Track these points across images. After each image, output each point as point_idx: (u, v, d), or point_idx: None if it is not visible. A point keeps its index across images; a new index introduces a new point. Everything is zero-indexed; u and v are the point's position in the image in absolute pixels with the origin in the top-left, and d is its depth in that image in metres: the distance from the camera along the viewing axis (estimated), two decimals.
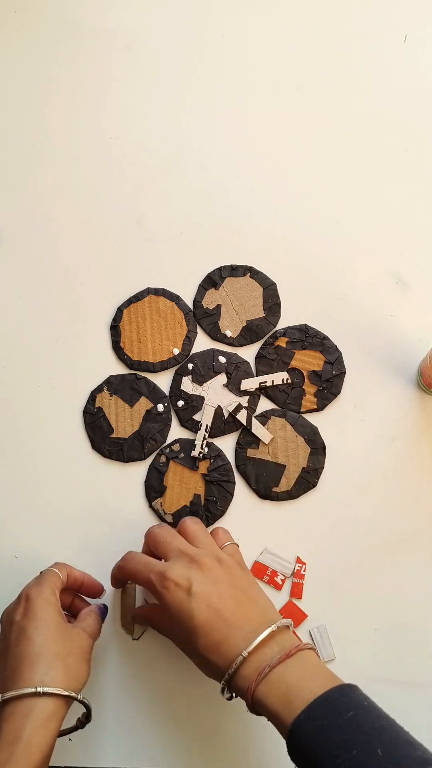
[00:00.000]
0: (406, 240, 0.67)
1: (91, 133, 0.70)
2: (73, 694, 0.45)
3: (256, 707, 0.44)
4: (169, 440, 0.62)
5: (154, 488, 0.60)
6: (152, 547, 0.52)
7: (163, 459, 0.61)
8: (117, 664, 0.57)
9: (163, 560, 0.50)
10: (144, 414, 0.62)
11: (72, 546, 0.59)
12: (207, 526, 0.60)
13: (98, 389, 0.63)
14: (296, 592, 0.58)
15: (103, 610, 0.55)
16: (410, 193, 0.68)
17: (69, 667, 0.46)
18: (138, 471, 0.61)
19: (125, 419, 0.62)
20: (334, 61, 0.72)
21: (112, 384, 0.63)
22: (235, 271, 0.65)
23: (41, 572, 0.53)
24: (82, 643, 0.49)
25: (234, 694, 0.46)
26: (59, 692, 0.44)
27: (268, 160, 0.69)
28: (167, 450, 0.61)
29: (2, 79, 0.71)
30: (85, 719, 0.49)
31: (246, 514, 0.60)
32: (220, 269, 0.65)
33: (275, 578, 0.58)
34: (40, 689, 0.43)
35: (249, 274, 0.65)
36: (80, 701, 0.46)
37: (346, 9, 0.73)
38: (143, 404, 0.62)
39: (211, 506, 0.60)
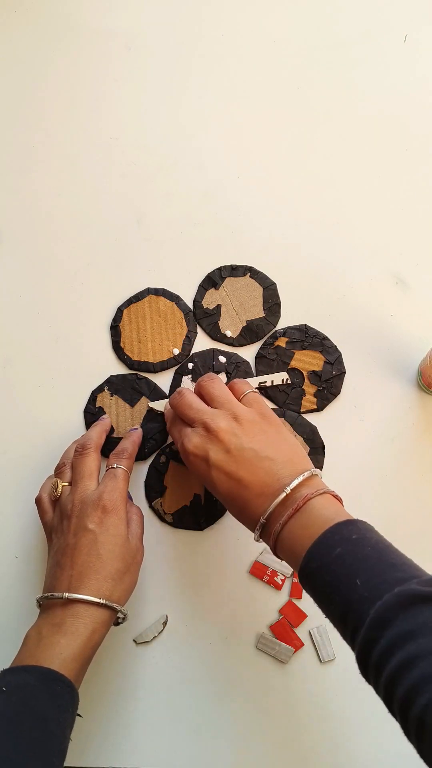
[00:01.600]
0: (406, 240, 0.67)
1: (90, 133, 0.70)
2: (124, 611, 0.51)
3: (281, 543, 0.48)
4: (169, 440, 0.62)
5: (154, 488, 0.60)
6: (178, 415, 0.56)
7: (162, 459, 0.61)
8: (118, 664, 0.57)
9: None
10: (145, 414, 0.62)
11: None
12: (207, 526, 0.60)
13: (99, 389, 0.63)
14: (296, 592, 0.58)
15: (137, 437, 0.59)
16: (410, 193, 0.68)
17: (125, 585, 0.52)
18: (138, 471, 0.61)
19: (126, 419, 0.62)
20: (333, 61, 0.72)
21: (113, 384, 0.63)
22: (235, 271, 0.65)
23: (112, 468, 0.55)
24: (138, 558, 0.53)
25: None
26: (116, 607, 0.50)
27: (268, 160, 0.69)
28: (167, 450, 0.61)
29: (2, 79, 0.71)
30: (122, 621, 0.53)
31: None
32: (220, 269, 0.65)
33: (275, 578, 0.58)
34: (103, 601, 0.49)
35: (249, 274, 0.65)
36: (124, 615, 0.52)
37: (346, 9, 0.73)
38: (144, 404, 0.62)
39: (211, 506, 0.60)
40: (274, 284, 0.65)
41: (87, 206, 0.68)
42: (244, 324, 0.64)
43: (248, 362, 0.63)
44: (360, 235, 0.67)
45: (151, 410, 0.62)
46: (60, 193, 0.68)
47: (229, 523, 0.60)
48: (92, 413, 0.62)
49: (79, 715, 0.48)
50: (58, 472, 0.57)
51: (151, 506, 0.60)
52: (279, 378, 0.62)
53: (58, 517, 0.54)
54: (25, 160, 0.69)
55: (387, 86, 0.71)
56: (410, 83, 0.71)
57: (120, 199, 0.68)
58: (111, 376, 0.63)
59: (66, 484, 0.55)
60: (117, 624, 0.52)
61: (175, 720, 0.56)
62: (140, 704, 0.56)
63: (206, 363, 0.63)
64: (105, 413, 0.62)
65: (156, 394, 0.62)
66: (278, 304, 0.65)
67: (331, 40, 0.72)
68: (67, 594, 0.49)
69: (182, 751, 0.55)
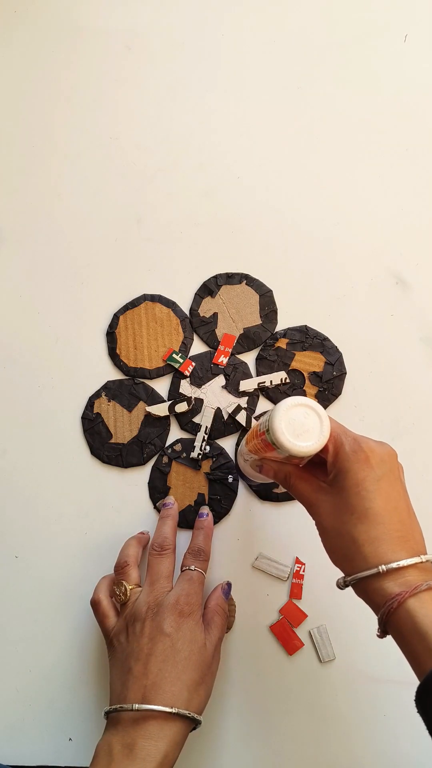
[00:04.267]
0: (406, 240, 0.67)
1: (91, 133, 0.70)
2: (199, 719, 0.47)
3: (396, 622, 0.41)
4: (169, 441, 0.62)
5: (158, 489, 0.60)
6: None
7: (165, 460, 0.61)
8: None
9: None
10: (143, 419, 0.62)
11: (73, 546, 0.59)
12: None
13: (96, 395, 0.63)
14: (296, 592, 0.58)
15: (228, 591, 0.56)
16: (410, 193, 0.68)
17: (201, 696, 0.48)
18: (139, 475, 0.61)
19: (124, 424, 0.62)
20: (334, 61, 0.71)
21: (110, 389, 0.63)
22: (231, 278, 0.65)
23: (189, 570, 0.53)
24: (214, 668, 0.51)
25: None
26: (193, 717, 0.47)
27: (268, 159, 0.69)
28: (169, 450, 0.61)
29: (2, 79, 0.71)
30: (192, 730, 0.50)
31: (246, 515, 0.60)
32: (216, 277, 0.65)
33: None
34: (178, 711, 0.46)
35: (245, 281, 0.65)
36: (198, 722, 0.48)
37: (346, 9, 0.73)
38: (142, 409, 0.62)
39: (215, 505, 0.60)
40: (270, 291, 0.65)
41: (87, 206, 0.68)
42: (241, 332, 0.64)
43: (246, 363, 0.63)
44: (360, 235, 0.67)
45: (149, 415, 0.62)
46: (60, 193, 0.68)
47: (230, 524, 0.60)
48: (90, 419, 0.62)
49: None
50: (121, 572, 0.54)
51: (155, 507, 0.60)
52: (278, 378, 0.62)
53: (127, 620, 0.51)
54: (25, 161, 0.69)
55: (387, 86, 0.71)
56: (410, 83, 0.71)
57: (120, 199, 0.68)
58: (108, 381, 0.63)
59: (133, 586, 0.53)
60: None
61: None
62: None
63: (204, 365, 0.63)
64: (103, 419, 0.62)
65: (153, 398, 0.62)
66: (275, 311, 0.64)
67: (332, 39, 0.72)
68: (137, 705, 0.46)
69: (182, 752, 0.55)
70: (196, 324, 0.64)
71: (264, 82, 0.71)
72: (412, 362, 0.64)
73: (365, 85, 0.71)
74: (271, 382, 0.62)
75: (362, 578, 0.42)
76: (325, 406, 0.62)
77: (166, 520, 0.57)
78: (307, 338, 0.63)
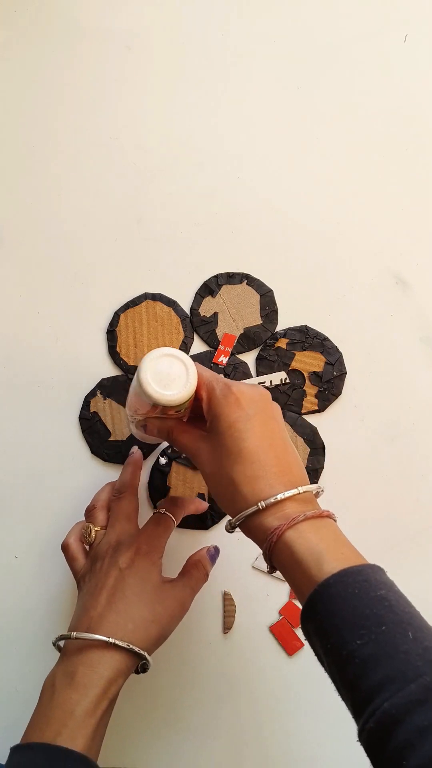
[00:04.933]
0: (406, 240, 0.67)
1: (90, 133, 0.69)
2: (143, 653, 0.47)
3: (278, 554, 0.42)
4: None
5: (158, 489, 0.60)
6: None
7: (165, 460, 0.61)
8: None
9: None
10: None
11: None
12: (212, 525, 0.60)
13: (91, 394, 0.62)
14: None
15: (214, 555, 0.56)
16: (410, 192, 0.68)
17: (151, 634, 0.47)
18: (141, 473, 0.61)
19: (122, 421, 0.62)
20: (334, 61, 0.71)
21: (104, 387, 0.63)
22: (232, 278, 0.65)
23: (159, 513, 0.53)
24: (173, 611, 0.49)
25: (231, 532, 0.45)
26: (135, 650, 0.46)
27: (268, 159, 0.69)
28: (169, 451, 0.61)
29: (2, 79, 0.71)
30: (142, 670, 0.49)
31: None
32: (216, 277, 0.65)
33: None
34: (118, 643, 0.45)
35: (246, 281, 0.65)
36: (148, 661, 0.47)
37: (346, 9, 0.73)
38: None
39: (215, 505, 0.60)
40: (270, 291, 0.65)
41: (87, 206, 0.68)
42: (242, 331, 0.64)
43: (246, 363, 0.63)
44: (360, 234, 0.67)
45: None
46: (60, 193, 0.68)
47: None
48: (87, 419, 0.62)
49: None
50: (89, 515, 0.55)
51: (155, 507, 0.60)
52: (277, 377, 0.62)
53: (91, 561, 0.52)
54: (25, 160, 0.69)
55: (387, 86, 0.71)
56: (410, 83, 0.71)
57: (120, 199, 0.68)
58: (102, 379, 0.63)
59: (99, 528, 0.54)
60: (137, 672, 0.49)
61: (174, 720, 0.56)
62: (139, 704, 0.56)
63: (204, 365, 0.63)
64: (100, 417, 0.62)
65: None
66: (275, 311, 0.64)
67: (332, 39, 0.72)
68: (75, 633, 0.46)
69: (182, 752, 0.55)
70: (197, 323, 0.64)
71: (264, 81, 0.71)
72: (412, 362, 0.64)
73: (365, 85, 0.71)
74: (271, 382, 0.62)
75: (246, 518, 0.43)
76: (325, 406, 0.62)
77: (127, 466, 0.57)
78: (307, 338, 0.63)
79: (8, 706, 0.57)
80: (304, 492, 0.43)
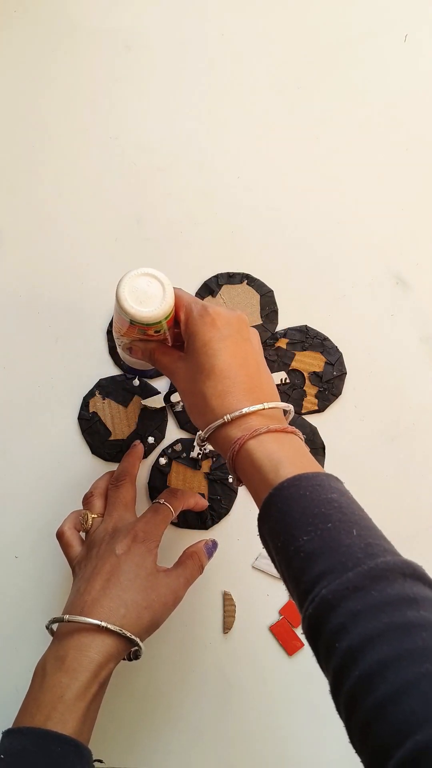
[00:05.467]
0: (406, 240, 0.67)
1: (90, 133, 0.69)
2: (135, 639, 0.47)
3: (240, 463, 0.44)
4: (170, 441, 0.62)
5: (158, 489, 0.60)
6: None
7: (165, 460, 0.61)
8: (118, 665, 0.57)
9: None
10: (139, 413, 0.62)
11: None
12: (212, 525, 0.60)
13: (90, 394, 0.62)
14: None
15: (212, 548, 0.56)
16: (410, 193, 0.68)
17: (143, 621, 0.48)
18: (141, 473, 0.61)
19: (121, 420, 0.62)
20: (334, 61, 0.71)
21: (103, 387, 0.63)
22: (232, 278, 0.65)
23: (158, 503, 0.53)
24: (166, 600, 0.50)
25: (204, 451, 0.47)
26: (126, 635, 0.46)
27: (268, 159, 0.69)
28: (169, 450, 0.61)
29: (2, 79, 0.71)
30: (134, 657, 0.50)
31: (246, 515, 0.60)
32: (216, 277, 0.65)
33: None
34: (108, 626, 0.46)
35: (246, 281, 0.65)
36: (140, 647, 0.48)
37: (346, 9, 0.73)
38: (137, 403, 0.62)
39: (215, 505, 0.60)
40: (271, 291, 0.65)
41: (87, 206, 0.68)
42: None
43: None
44: (360, 235, 0.67)
45: (145, 408, 0.62)
46: (60, 193, 0.68)
47: (230, 524, 0.60)
48: (86, 419, 0.62)
49: (99, 760, 0.47)
50: (87, 503, 0.56)
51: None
52: (278, 377, 0.62)
53: (87, 547, 0.52)
54: (25, 160, 0.69)
55: (387, 86, 0.71)
56: (410, 83, 0.71)
57: (120, 199, 0.68)
58: (101, 379, 0.63)
59: (96, 515, 0.54)
60: (129, 659, 0.49)
61: (174, 720, 0.56)
62: (139, 704, 0.56)
63: None
64: (99, 417, 0.62)
65: (147, 391, 0.62)
66: (275, 311, 0.64)
67: (332, 39, 0.72)
68: (68, 617, 0.47)
69: (182, 752, 0.55)
70: None
71: (264, 81, 0.71)
72: (412, 362, 0.64)
73: (365, 84, 0.71)
74: None
75: (214, 430, 0.45)
76: (325, 406, 0.62)
77: (127, 456, 0.58)
78: (308, 338, 0.63)
79: (8, 706, 0.57)
80: (271, 408, 0.45)
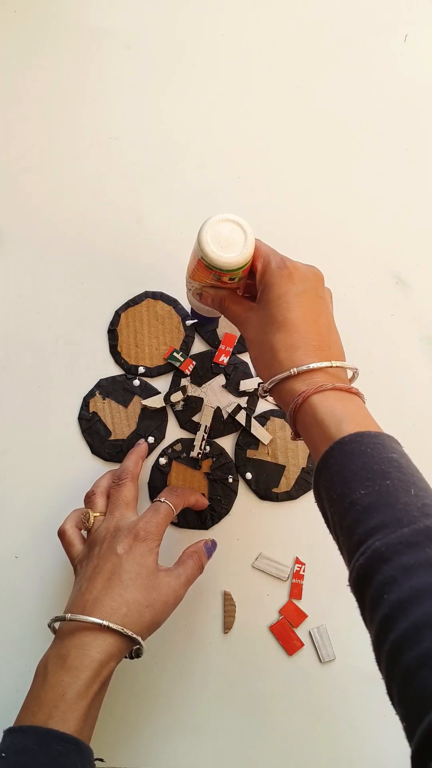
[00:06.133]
0: (406, 240, 0.67)
1: (90, 133, 0.70)
2: (137, 637, 0.47)
3: (302, 417, 0.44)
4: (170, 441, 0.62)
5: (158, 489, 0.60)
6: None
7: (165, 460, 0.61)
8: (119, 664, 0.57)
9: None
10: (140, 413, 0.62)
11: None
12: (212, 525, 0.60)
13: (90, 394, 0.62)
14: (296, 592, 0.58)
15: (211, 548, 0.56)
16: (410, 192, 0.68)
17: (144, 619, 0.48)
18: (142, 472, 0.61)
19: (121, 420, 0.62)
20: (334, 60, 0.71)
21: (103, 387, 0.63)
22: None
23: (158, 501, 0.53)
24: (167, 599, 0.50)
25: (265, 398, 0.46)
26: (128, 634, 0.46)
27: (268, 159, 0.69)
28: (169, 450, 0.61)
29: (2, 79, 0.71)
30: (135, 655, 0.50)
31: (246, 515, 0.60)
32: None
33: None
34: (110, 625, 0.46)
35: None
36: (141, 645, 0.48)
37: (346, 9, 0.73)
38: (137, 403, 0.62)
39: (216, 505, 0.60)
40: None
41: (87, 206, 0.68)
42: None
43: (247, 363, 0.63)
44: (360, 235, 0.67)
45: (145, 408, 0.62)
46: (60, 193, 0.68)
47: (229, 523, 0.60)
48: (87, 419, 0.62)
49: (100, 759, 0.47)
50: (89, 501, 0.56)
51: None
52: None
53: (89, 546, 0.52)
54: (25, 160, 0.69)
55: (387, 86, 0.71)
56: (410, 83, 0.71)
57: (120, 199, 0.68)
58: (101, 379, 0.63)
59: (98, 514, 0.54)
60: (131, 657, 0.49)
61: (174, 720, 0.56)
62: (139, 704, 0.56)
63: (205, 364, 0.63)
64: (99, 417, 0.62)
65: (148, 391, 0.62)
66: None
67: (331, 39, 0.72)
68: (70, 615, 0.47)
69: (182, 752, 0.55)
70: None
71: (264, 81, 0.71)
72: (412, 362, 0.64)
73: (365, 85, 0.71)
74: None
75: (278, 382, 0.45)
76: None
77: (130, 454, 0.58)
78: None
79: (8, 706, 0.57)
80: (337, 367, 0.45)
